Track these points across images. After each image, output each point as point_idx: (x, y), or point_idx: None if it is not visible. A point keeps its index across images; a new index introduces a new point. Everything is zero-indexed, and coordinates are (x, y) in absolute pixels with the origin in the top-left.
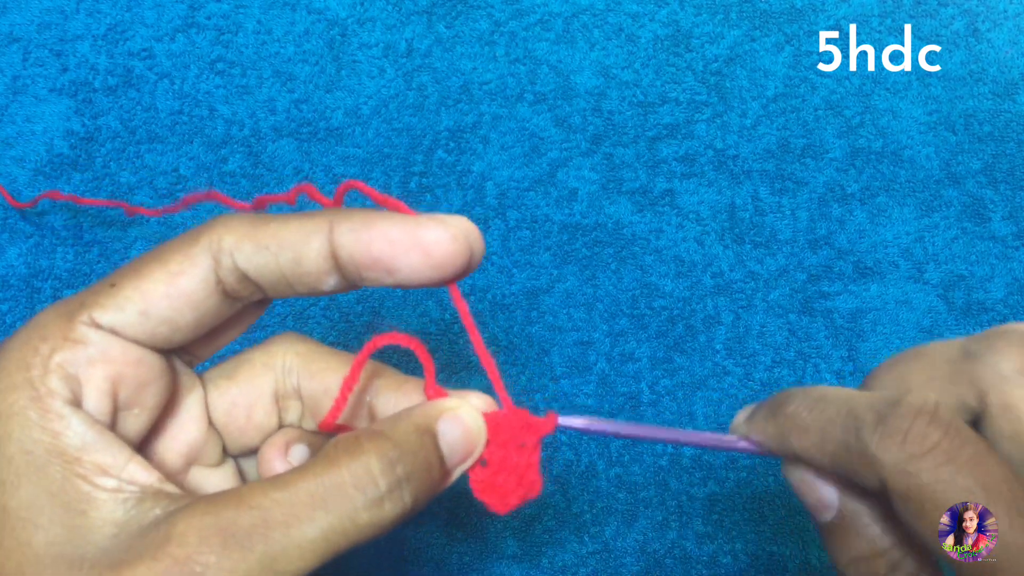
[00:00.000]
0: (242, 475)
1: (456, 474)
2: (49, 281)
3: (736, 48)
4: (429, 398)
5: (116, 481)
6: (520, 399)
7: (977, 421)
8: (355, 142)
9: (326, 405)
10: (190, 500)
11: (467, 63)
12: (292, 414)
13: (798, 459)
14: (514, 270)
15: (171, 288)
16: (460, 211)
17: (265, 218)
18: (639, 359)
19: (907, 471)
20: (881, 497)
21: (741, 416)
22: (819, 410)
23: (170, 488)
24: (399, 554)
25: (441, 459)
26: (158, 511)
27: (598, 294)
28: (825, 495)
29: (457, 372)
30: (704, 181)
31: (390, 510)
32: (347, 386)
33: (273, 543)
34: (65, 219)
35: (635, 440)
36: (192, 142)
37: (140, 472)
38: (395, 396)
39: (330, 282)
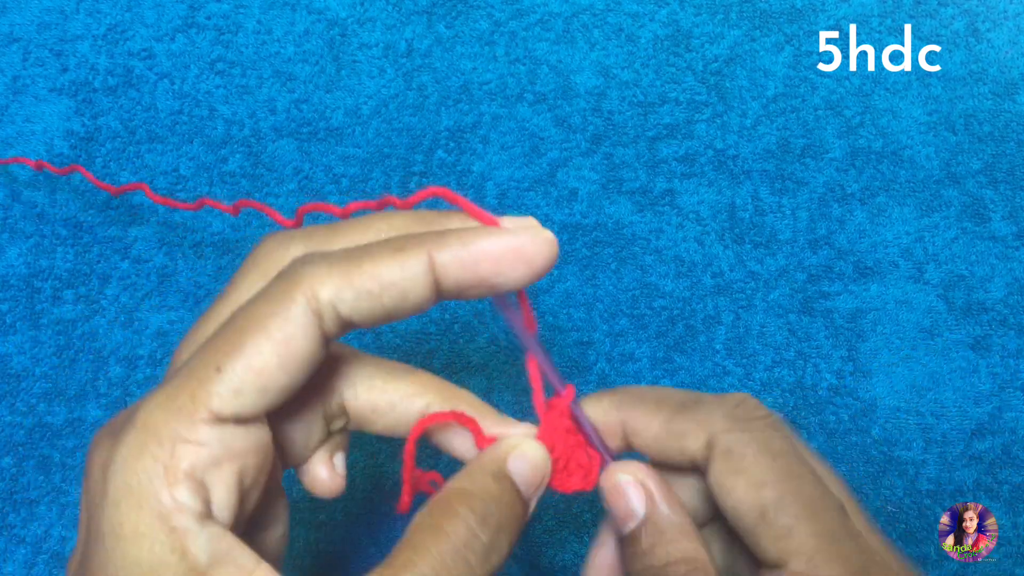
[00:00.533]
0: None
1: (534, 504)
2: (49, 281)
3: (736, 48)
4: (479, 445)
5: None
6: (520, 399)
7: (700, 467)
8: (355, 142)
9: (374, 420)
10: None
11: (467, 63)
12: (338, 423)
13: (624, 435)
14: None
15: (284, 358)
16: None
17: (355, 258)
18: (639, 359)
19: (737, 428)
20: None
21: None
22: (659, 390)
23: None
24: None
25: (520, 495)
26: None
27: (598, 294)
28: (634, 505)
29: (457, 372)
30: (704, 181)
31: (496, 560)
32: (408, 470)
33: None
34: (65, 219)
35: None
36: (192, 142)
37: None
38: (370, 384)
39: (430, 305)
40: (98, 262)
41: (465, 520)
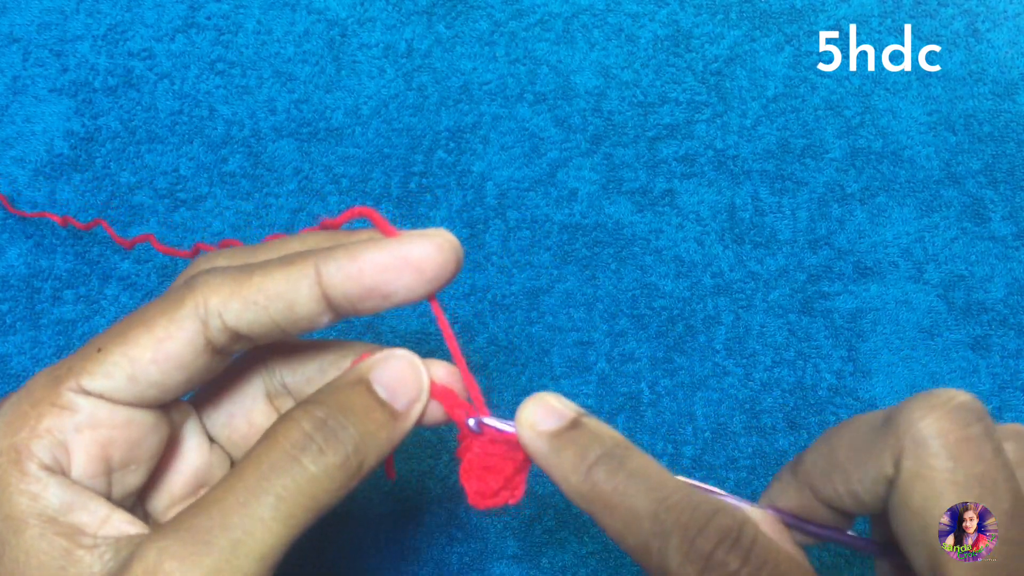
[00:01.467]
0: None
1: (413, 414)
2: (49, 281)
3: (736, 48)
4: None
5: (93, 539)
6: (520, 399)
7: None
8: (355, 142)
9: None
10: (159, 526)
11: (467, 63)
12: (286, 405)
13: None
14: (514, 270)
15: (158, 354)
16: (460, 211)
17: (248, 271)
18: (639, 359)
19: (930, 444)
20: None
21: (531, 407)
22: (629, 492)
23: (148, 532)
24: (399, 554)
25: (380, 401)
26: (132, 548)
27: (598, 294)
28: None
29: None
30: (704, 181)
31: (333, 457)
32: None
33: (234, 528)
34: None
35: None
36: (192, 142)
37: (123, 525)
38: (301, 359)
39: (324, 320)
40: (98, 262)
41: (298, 424)
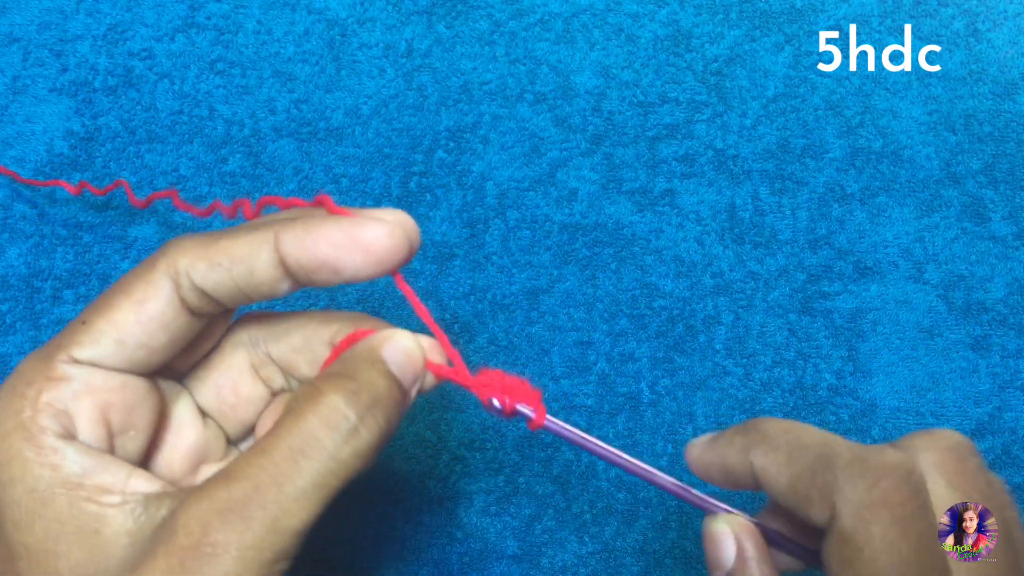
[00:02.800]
0: None
1: (415, 392)
2: (49, 281)
3: (736, 48)
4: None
5: (120, 496)
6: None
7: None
8: (355, 142)
9: (298, 361)
10: (188, 492)
11: (467, 63)
12: (278, 381)
13: (752, 476)
14: (514, 270)
15: (140, 315)
16: (460, 211)
17: (215, 235)
18: (639, 359)
19: (864, 516)
20: (811, 535)
21: (700, 440)
22: (794, 434)
23: (171, 489)
24: (399, 554)
25: (396, 380)
26: (164, 511)
27: (598, 294)
28: (724, 555)
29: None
30: (704, 181)
31: (367, 436)
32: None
33: (271, 505)
34: (65, 219)
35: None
36: (192, 142)
37: (143, 483)
38: (285, 328)
39: (283, 287)
40: (98, 262)
41: (330, 400)
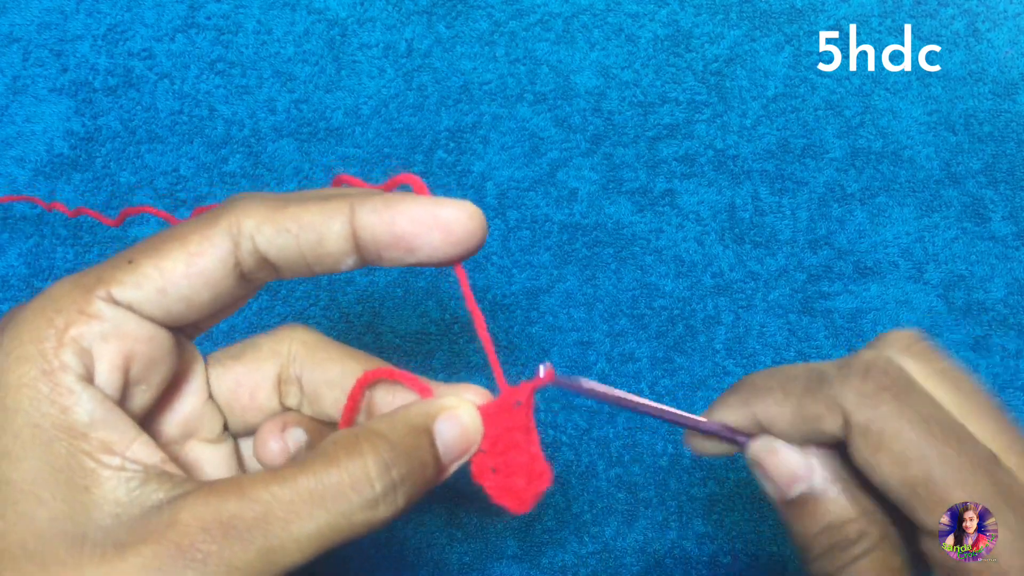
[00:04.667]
0: (239, 456)
1: (452, 470)
2: (49, 281)
3: (736, 48)
4: (423, 396)
5: (120, 459)
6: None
7: (840, 445)
8: (355, 142)
9: (325, 395)
10: (193, 486)
11: (467, 63)
12: (293, 399)
13: (760, 427)
14: (514, 270)
15: (190, 268)
16: None
17: (284, 199)
18: (639, 359)
19: (869, 404)
20: (839, 448)
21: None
22: (780, 373)
23: (173, 469)
24: (399, 554)
25: (436, 457)
26: (161, 494)
27: (598, 294)
28: (794, 464)
29: (457, 372)
30: (704, 181)
31: (383, 512)
32: (352, 402)
33: (272, 537)
34: (65, 219)
35: (627, 409)
36: (192, 142)
37: (145, 451)
38: (391, 391)
39: (349, 262)
40: (98, 262)
41: (363, 462)
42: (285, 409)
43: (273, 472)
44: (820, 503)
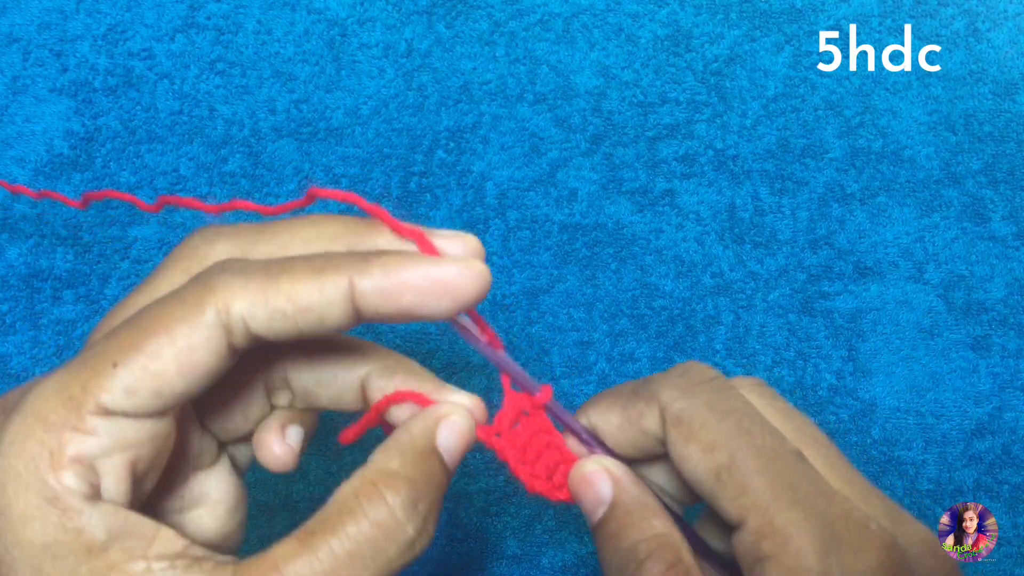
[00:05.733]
0: (234, 465)
1: (453, 468)
2: (49, 281)
3: (736, 48)
4: (421, 403)
5: (145, 563)
6: None
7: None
8: (355, 142)
9: (318, 394)
10: (228, 572)
11: (467, 63)
12: (283, 400)
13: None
14: (514, 270)
15: (183, 366)
16: (460, 211)
17: (273, 272)
18: (639, 359)
19: (684, 396)
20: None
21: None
22: (616, 386)
23: (198, 552)
24: None
25: (446, 468)
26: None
27: (598, 294)
28: (601, 490)
29: (457, 372)
30: (704, 181)
31: (420, 546)
32: (362, 423)
33: None
34: (65, 219)
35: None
36: (192, 142)
37: (168, 544)
38: (386, 381)
39: (346, 327)
40: (98, 262)
41: (390, 508)
42: (273, 408)
43: (300, 541)
44: (624, 522)
